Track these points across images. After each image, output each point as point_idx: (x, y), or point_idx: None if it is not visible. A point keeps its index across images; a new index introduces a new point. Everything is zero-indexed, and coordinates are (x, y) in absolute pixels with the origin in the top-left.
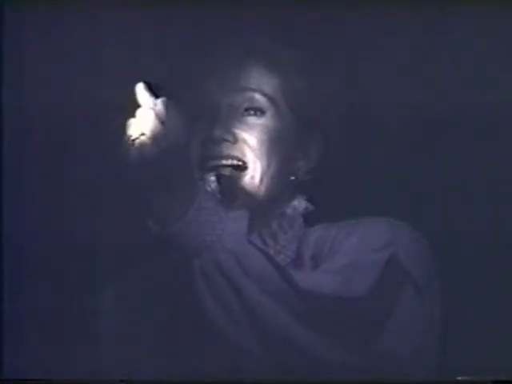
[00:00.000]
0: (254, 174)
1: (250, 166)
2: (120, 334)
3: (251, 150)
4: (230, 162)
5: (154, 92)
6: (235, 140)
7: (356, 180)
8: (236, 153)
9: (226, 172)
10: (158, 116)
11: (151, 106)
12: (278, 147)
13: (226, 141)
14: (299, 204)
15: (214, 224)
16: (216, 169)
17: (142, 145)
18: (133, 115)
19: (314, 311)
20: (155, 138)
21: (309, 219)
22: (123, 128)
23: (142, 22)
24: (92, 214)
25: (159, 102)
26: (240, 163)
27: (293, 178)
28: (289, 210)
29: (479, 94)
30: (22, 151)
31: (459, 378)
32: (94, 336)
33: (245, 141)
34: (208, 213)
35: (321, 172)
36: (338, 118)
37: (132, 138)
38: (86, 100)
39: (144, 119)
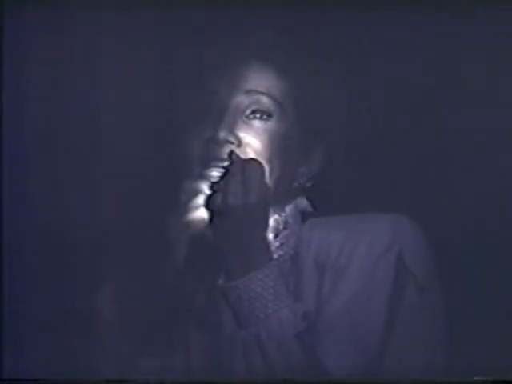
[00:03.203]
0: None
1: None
2: (121, 334)
3: (255, 153)
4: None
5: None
6: (239, 142)
7: (358, 187)
8: (240, 155)
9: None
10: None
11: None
12: (282, 152)
13: (230, 143)
14: (299, 203)
15: (267, 302)
16: (218, 169)
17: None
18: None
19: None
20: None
21: (307, 217)
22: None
23: (144, 23)
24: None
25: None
26: None
27: (296, 184)
28: (289, 208)
29: (482, 97)
30: (23, 152)
31: (476, 378)
32: (93, 336)
33: (249, 144)
34: (267, 289)
35: (323, 178)
36: (343, 125)
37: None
38: (87, 100)
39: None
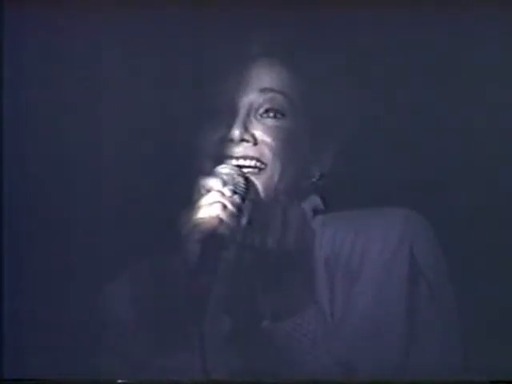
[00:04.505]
0: (271, 175)
1: (268, 167)
2: (120, 334)
3: (269, 151)
4: (248, 162)
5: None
6: (255, 141)
7: (369, 185)
8: (255, 153)
9: (244, 172)
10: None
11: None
12: (295, 150)
13: (246, 141)
14: (312, 200)
15: (305, 347)
16: (233, 168)
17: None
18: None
19: None
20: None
21: (319, 215)
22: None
23: (146, 22)
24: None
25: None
26: (258, 164)
27: (309, 182)
28: (301, 205)
29: (489, 99)
30: (23, 152)
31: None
32: (93, 336)
33: (263, 142)
34: (306, 334)
35: (335, 176)
36: (354, 124)
37: None
38: (86, 99)
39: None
